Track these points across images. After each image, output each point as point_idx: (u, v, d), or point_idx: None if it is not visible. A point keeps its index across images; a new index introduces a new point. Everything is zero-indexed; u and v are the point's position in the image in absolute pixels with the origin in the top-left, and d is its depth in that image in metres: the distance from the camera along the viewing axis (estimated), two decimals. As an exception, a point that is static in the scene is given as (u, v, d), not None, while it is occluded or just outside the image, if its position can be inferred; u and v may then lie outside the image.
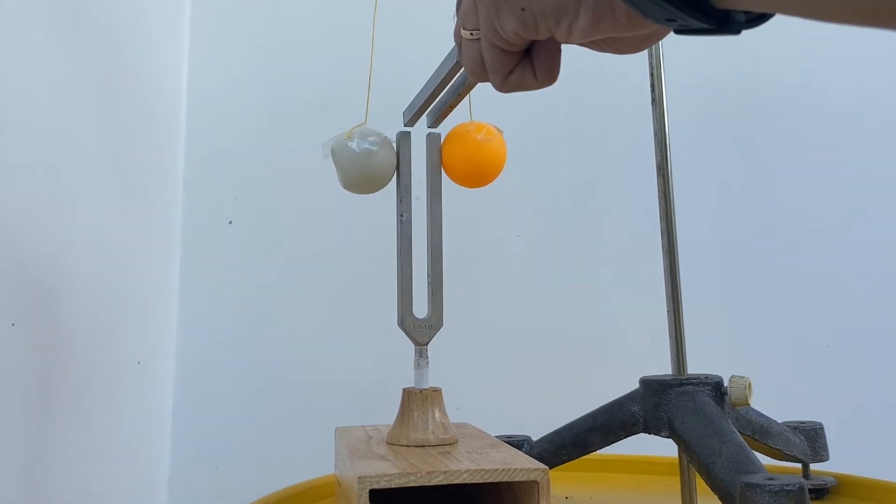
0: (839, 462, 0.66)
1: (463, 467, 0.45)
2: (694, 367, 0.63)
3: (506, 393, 0.94)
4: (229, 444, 0.95)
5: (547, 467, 0.46)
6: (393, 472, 0.44)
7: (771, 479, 0.46)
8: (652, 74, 0.63)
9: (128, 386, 0.84)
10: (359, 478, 0.43)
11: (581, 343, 0.94)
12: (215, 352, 0.97)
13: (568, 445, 0.63)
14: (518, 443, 0.65)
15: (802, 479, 0.45)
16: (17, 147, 0.64)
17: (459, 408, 0.79)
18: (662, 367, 0.63)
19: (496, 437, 0.62)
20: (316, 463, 0.70)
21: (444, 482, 0.45)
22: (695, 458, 0.54)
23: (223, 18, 1.04)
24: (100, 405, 0.78)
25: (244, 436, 0.95)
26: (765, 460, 0.63)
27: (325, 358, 0.96)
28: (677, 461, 0.61)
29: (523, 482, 0.46)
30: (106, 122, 0.80)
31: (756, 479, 0.46)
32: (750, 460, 0.50)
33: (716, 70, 0.97)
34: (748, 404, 0.56)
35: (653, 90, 0.63)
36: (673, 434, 0.57)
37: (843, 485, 0.67)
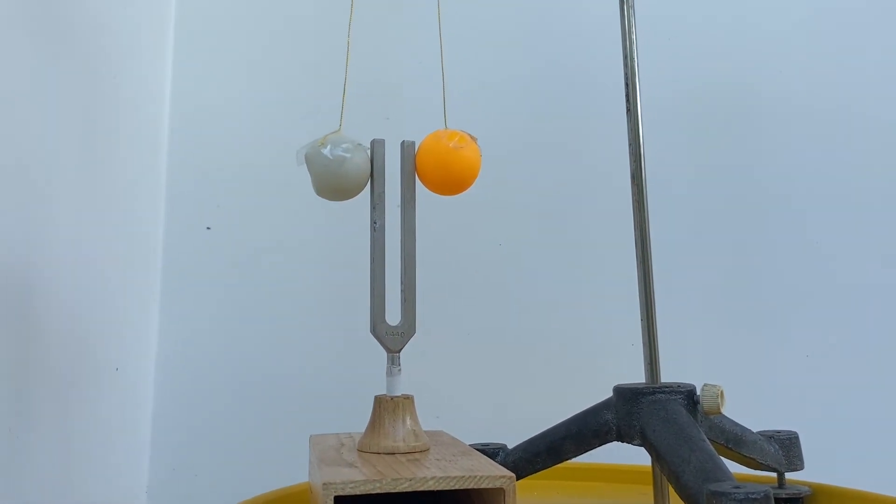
0: (814, 471, 0.67)
1: (429, 474, 0.45)
2: (672, 375, 0.63)
3: (485, 401, 0.94)
4: (209, 451, 0.95)
5: (513, 475, 0.46)
6: (358, 478, 0.44)
7: (737, 487, 0.46)
8: (627, 85, 0.64)
9: (106, 393, 0.84)
10: (323, 484, 0.43)
11: (562, 351, 0.94)
12: (195, 359, 0.97)
13: (542, 453, 0.63)
14: (493, 451, 0.65)
15: (768, 488, 0.45)
16: (-6, 153, 0.64)
17: (439, 416, 0.79)
18: (643, 375, 0.63)
19: (473, 444, 0.62)
20: (294, 470, 0.71)
21: (410, 489, 0.45)
22: (665, 466, 0.54)
23: (208, 23, 1.05)
24: (77, 412, 0.77)
25: (224, 443, 0.95)
26: (740, 469, 0.63)
27: (305, 365, 0.96)
28: (651, 470, 0.61)
29: (491, 489, 0.46)
30: (88, 127, 0.81)
31: (723, 487, 0.46)
32: (718, 468, 0.50)
33: (691, 81, 0.98)
34: (720, 413, 0.56)
35: (628, 100, 0.64)
36: (645, 442, 0.57)
37: (818, 494, 0.67)
